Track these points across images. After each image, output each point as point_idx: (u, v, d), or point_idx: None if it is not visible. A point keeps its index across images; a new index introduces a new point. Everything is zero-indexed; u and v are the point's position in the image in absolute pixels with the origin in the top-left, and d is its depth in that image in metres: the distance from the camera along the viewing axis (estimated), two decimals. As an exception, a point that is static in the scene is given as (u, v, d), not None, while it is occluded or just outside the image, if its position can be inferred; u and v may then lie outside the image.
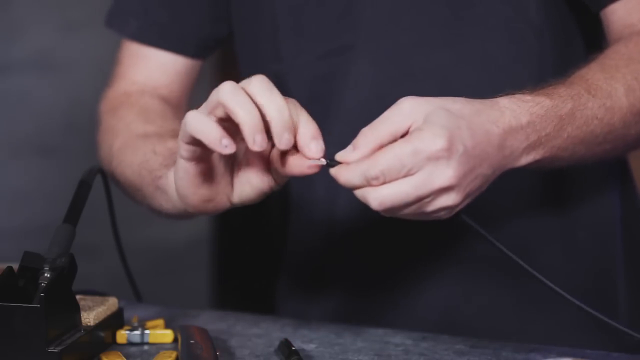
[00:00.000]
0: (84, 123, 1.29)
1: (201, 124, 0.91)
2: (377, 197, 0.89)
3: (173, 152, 1.07)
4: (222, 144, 0.90)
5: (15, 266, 0.98)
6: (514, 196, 1.19)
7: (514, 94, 0.98)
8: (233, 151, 0.91)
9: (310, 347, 1.05)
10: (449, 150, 0.89)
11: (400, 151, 0.89)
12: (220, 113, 0.92)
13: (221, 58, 2.68)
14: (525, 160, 0.98)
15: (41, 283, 0.97)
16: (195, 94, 1.36)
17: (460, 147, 0.90)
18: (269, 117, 0.90)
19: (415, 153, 0.89)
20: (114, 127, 1.24)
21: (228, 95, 0.91)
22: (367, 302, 1.23)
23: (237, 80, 1.31)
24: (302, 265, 1.28)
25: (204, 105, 0.93)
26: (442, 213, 0.93)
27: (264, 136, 0.90)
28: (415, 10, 1.16)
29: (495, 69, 1.16)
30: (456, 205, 0.92)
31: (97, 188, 1.10)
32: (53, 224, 1.04)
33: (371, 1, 1.17)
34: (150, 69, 1.30)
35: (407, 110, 0.91)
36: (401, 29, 1.17)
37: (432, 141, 0.89)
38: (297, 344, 1.03)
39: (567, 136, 1.00)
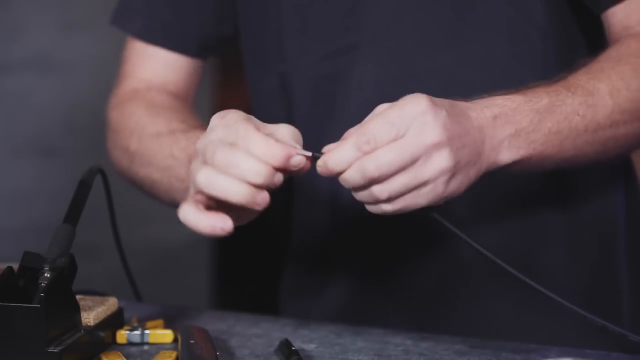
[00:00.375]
0: (84, 123, 1.29)
1: (192, 220, 0.93)
2: (372, 162, 0.89)
3: (190, 153, 1.08)
4: (218, 231, 0.91)
5: (15, 266, 0.98)
6: (519, 196, 1.19)
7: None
8: (231, 230, 0.91)
9: (310, 347, 1.05)
10: (433, 109, 0.91)
11: (388, 113, 0.91)
12: (209, 200, 0.92)
13: (221, 58, 2.68)
14: (508, 153, 0.98)
15: (41, 283, 0.97)
16: (196, 94, 1.36)
17: (442, 109, 0.92)
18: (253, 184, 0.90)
19: (402, 113, 0.91)
20: (124, 125, 1.24)
21: (209, 187, 0.91)
22: (369, 298, 1.23)
23: (239, 82, 1.32)
24: (306, 258, 1.29)
25: (191, 191, 0.94)
26: (440, 181, 0.92)
27: (264, 195, 0.91)
28: (419, 11, 1.16)
29: (498, 70, 1.16)
30: (450, 169, 0.92)
31: (97, 188, 1.10)
32: (53, 224, 1.04)
33: (375, 1, 1.17)
34: (157, 66, 1.30)
35: (382, 108, 0.93)
36: (405, 29, 1.17)
37: (416, 102, 0.91)
38: (297, 344, 1.03)
39: (548, 131, 1.01)
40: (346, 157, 0.91)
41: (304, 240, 1.28)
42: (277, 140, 0.91)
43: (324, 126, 1.20)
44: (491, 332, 1.14)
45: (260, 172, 0.90)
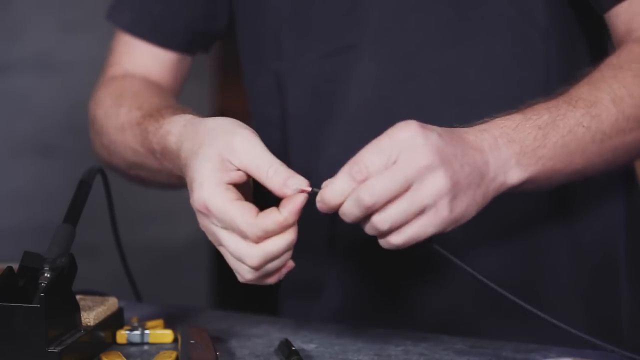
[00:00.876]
0: (84, 123, 1.29)
1: (260, 281, 0.96)
2: (366, 191, 0.89)
3: (149, 148, 1.09)
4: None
5: (15, 266, 0.98)
6: (520, 202, 1.18)
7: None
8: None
9: (310, 347, 1.05)
10: (423, 132, 0.91)
11: (377, 141, 0.91)
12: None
13: (221, 58, 2.68)
14: (518, 173, 0.97)
15: (41, 283, 0.97)
16: (196, 94, 1.36)
17: (433, 132, 0.91)
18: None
19: (391, 140, 0.90)
20: (95, 116, 1.26)
21: (264, 273, 0.94)
22: (368, 304, 1.23)
23: (239, 82, 1.32)
24: (305, 261, 1.28)
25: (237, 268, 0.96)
26: (441, 204, 0.91)
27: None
28: (420, 11, 1.16)
29: (499, 71, 1.16)
30: (448, 190, 0.90)
31: (97, 188, 1.10)
32: (53, 224, 1.04)
33: (376, 1, 1.17)
34: (142, 58, 1.31)
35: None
36: (406, 29, 1.17)
37: (405, 128, 0.91)
38: (297, 344, 1.03)
39: (554, 145, 0.99)
40: (340, 189, 0.91)
41: (302, 242, 1.28)
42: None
43: (321, 126, 1.19)
44: (491, 332, 1.13)
45: (281, 248, 0.94)
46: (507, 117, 0.99)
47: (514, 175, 0.97)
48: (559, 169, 1.01)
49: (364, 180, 0.89)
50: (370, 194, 0.89)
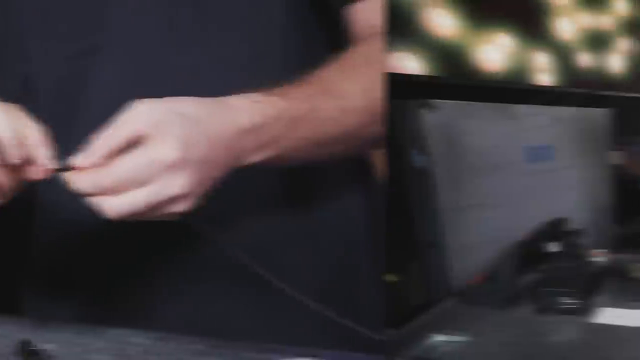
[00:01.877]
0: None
1: None
2: (112, 207, 0.91)
3: None
4: None
5: None
6: (255, 198, 1.20)
7: (247, 93, 1.00)
8: None
9: (50, 347, 1.04)
10: (183, 160, 0.92)
11: (136, 161, 0.91)
12: None
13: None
14: (254, 158, 1.01)
15: None
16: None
17: (194, 155, 0.93)
18: None
19: (150, 164, 0.91)
20: None
21: None
22: (111, 303, 1.22)
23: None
24: (48, 266, 1.27)
25: None
26: (175, 216, 0.95)
27: None
28: (160, 11, 1.16)
29: (238, 69, 1.16)
30: (188, 210, 0.94)
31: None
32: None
33: (117, 2, 1.17)
34: None
35: (140, 114, 0.93)
36: (146, 30, 1.16)
37: (168, 152, 0.92)
38: (37, 344, 1.02)
39: (299, 137, 1.03)
40: (86, 190, 0.92)
41: (44, 248, 1.26)
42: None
43: (68, 127, 1.18)
44: (231, 332, 1.14)
45: None
46: (271, 100, 1.01)
47: (249, 160, 1.01)
48: (294, 156, 1.05)
49: (108, 194, 0.91)
50: (115, 212, 0.92)
